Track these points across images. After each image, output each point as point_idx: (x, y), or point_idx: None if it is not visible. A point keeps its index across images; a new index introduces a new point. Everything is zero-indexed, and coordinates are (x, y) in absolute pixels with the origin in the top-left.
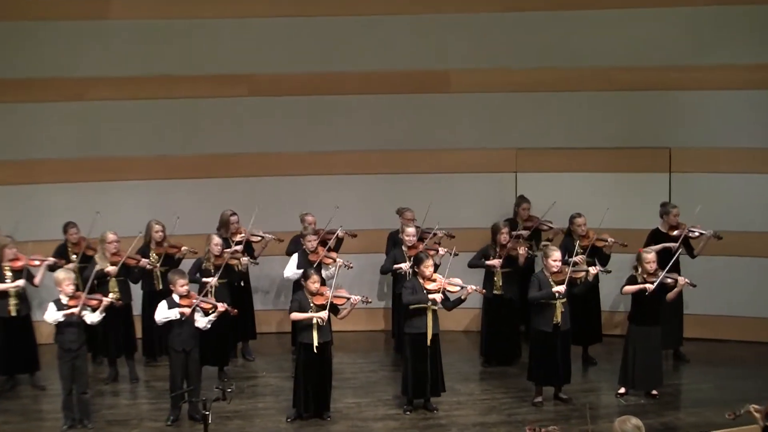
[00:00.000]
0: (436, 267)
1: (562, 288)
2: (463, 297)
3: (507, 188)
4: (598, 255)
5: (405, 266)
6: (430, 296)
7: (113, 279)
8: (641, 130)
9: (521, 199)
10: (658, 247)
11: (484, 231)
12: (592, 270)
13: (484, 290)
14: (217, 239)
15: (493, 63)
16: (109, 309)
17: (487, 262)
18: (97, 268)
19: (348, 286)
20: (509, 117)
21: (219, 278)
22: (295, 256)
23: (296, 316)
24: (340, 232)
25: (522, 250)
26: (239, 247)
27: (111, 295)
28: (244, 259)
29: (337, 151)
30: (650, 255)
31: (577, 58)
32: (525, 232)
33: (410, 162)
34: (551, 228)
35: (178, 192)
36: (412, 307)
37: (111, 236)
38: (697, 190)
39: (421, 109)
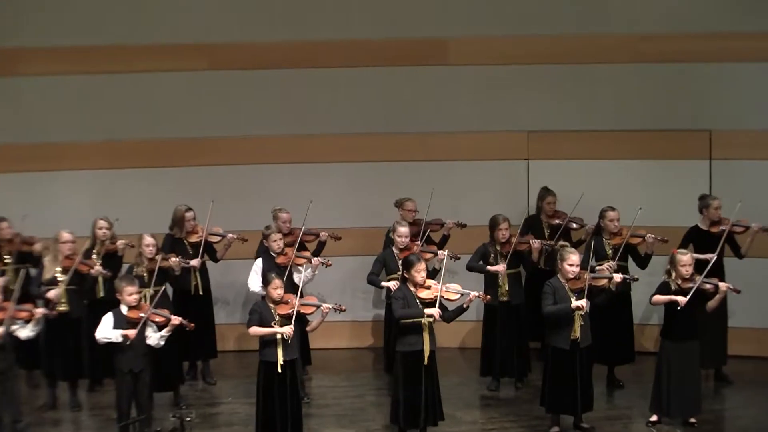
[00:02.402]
0: (435, 272)
1: (582, 302)
2: (464, 306)
3: (517, 178)
4: (633, 256)
5: (392, 285)
6: (428, 311)
7: (62, 288)
8: (676, 110)
9: (545, 192)
10: (696, 257)
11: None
12: (617, 277)
13: (488, 297)
14: (148, 239)
15: (500, 30)
16: (56, 322)
17: (490, 269)
18: (47, 273)
19: (330, 295)
20: (519, 94)
21: (154, 285)
22: (259, 263)
23: (256, 330)
24: (323, 236)
25: (536, 243)
26: (195, 262)
27: (61, 307)
28: (174, 260)
29: (315, 135)
30: (685, 257)
31: (600, 24)
32: (551, 243)
33: (402, 147)
34: (582, 227)
35: (128, 183)
36: (404, 321)
37: (66, 236)
38: (742, 179)
39: (414, 85)
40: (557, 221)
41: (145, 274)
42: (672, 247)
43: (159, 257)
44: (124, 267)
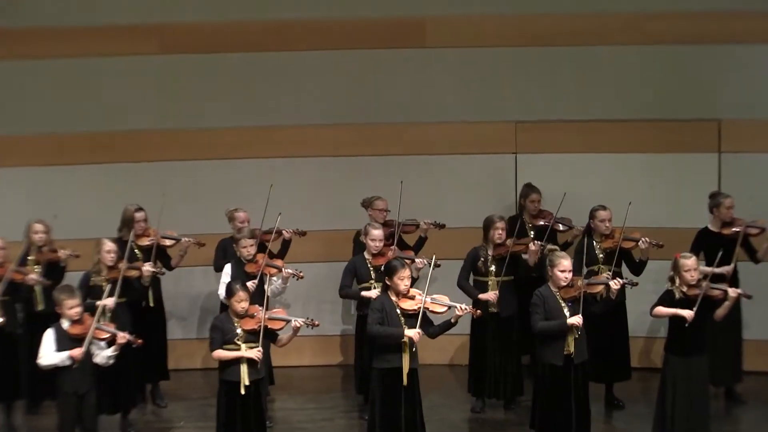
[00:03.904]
0: (413, 281)
1: (577, 319)
2: (452, 320)
3: (504, 174)
4: (627, 261)
5: (374, 293)
6: (407, 332)
7: None
8: (682, 97)
9: (529, 189)
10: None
11: (473, 231)
12: (614, 284)
13: (479, 311)
14: (109, 245)
15: (484, 8)
16: None
17: (481, 296)
18: None
19: (293, 306)
20: (506, 80)
21: (118, 297)
22: (228, 268)
23: (221, 354)
24: (286, 233)
25: (533, 245)
26: (148, 268)
27: None
28: (147, 268)
29: (278, 126)
30: (690, 261)
31: (598, 0)
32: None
33: (375, 140)
34: (570, 228)
35: (69, 181)
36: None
37: None
38: (754, 174)
39: (388, 71)
40: (542, 222)
41: (104, 285)
42: (676, 250)
43: (122, 265)
44: (78, 275)
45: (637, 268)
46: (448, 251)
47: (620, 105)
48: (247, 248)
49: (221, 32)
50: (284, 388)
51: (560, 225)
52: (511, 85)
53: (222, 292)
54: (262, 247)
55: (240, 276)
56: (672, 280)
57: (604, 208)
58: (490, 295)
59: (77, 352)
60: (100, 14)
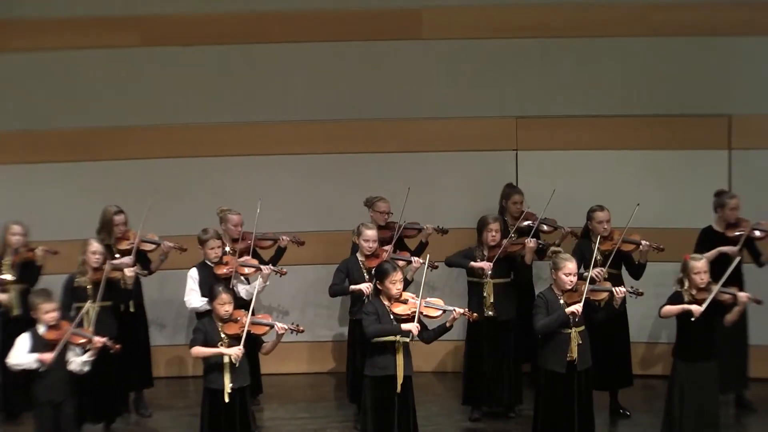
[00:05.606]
0: (407, 283)
1: (578, 307)
2: (447, 324)
3: (504, 172)
4: (626, 264)
5: (366, 287)
6: (404, 326)
7: None
8: (690, 92)
9: (510, 190)
10: (712, 253)
11: (472, 231)
12: (619, 291)
13: (475, 315)
14: (95, 245)
15: None
16: None
17: (474, 264)
18: None
19: (286, 311)
20: (507, 73)
21: (101, 300)
22: (193, 273)
23: (199, 351)
24: (283, 241)
25: (531, 242)
26: (127, 259)
27: None
28: (129, 271)
29: (268, 123)
30: (700, 263)
31: None
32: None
33: (369, 137)
34: (555, 229)
35: (46, 180)
36: (375, 340)
37: None
38: (766, 171)
39: (382, 64)
40: (527, 223)
41: (88, 287)
42: (684, 252)
43: (106, 267)
44: (56, 277)
45: (637, 271)
46: (444, 253)
47: (625, 100)
48: (214, 249)
49: (206, 24)
50: (275, 396)
51: (544, 226)
52: (511, 79)
53: (189, 299)
54: (256, 254)
55: (208, 280)
56: (681, 282)
57: (602, 208)
58: (484, 264)
59: (47, 356)
60: (80, 6)
